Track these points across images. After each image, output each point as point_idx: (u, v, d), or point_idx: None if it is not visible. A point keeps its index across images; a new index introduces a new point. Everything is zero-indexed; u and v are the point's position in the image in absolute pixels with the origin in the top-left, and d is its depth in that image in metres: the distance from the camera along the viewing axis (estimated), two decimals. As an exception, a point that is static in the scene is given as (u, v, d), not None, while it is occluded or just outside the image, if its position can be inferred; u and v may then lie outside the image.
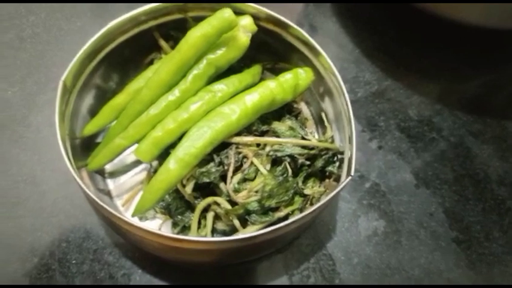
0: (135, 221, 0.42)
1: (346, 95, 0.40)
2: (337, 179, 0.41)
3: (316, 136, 0.47)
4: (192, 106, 0.38)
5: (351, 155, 0.37)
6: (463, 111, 0.55)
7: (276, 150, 0.40)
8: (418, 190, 0.49)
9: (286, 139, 0.41)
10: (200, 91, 0.39)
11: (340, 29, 0.60)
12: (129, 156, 0.46)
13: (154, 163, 0.43)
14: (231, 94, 0.40)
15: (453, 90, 0.58)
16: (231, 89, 0.40)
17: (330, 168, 0.42)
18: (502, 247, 0.47)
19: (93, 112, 0.44)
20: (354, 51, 0.58)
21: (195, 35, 0.38)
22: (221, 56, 0.39)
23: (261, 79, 0.44)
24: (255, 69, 0.43)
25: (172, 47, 0.44)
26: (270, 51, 0.46)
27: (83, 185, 0.34)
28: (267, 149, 0.40)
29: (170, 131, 0.38)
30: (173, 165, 0.37)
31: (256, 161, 0.39)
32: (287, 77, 0.42)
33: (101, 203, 0.34)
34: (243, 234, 0.37)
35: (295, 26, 0.42)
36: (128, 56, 0.45)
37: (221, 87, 0.39)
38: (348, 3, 0.63)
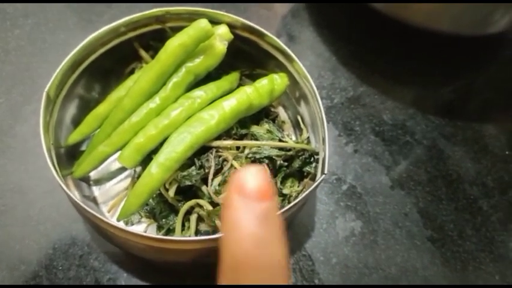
0: (120, 224, 0.44)
1: (319, 99, 0.42)
2: (314, 178, 0.42)
3: (294, 138, 0.49)
4: (173, 113, 0.40)
5: (325, 155, 0.39)
6: (435, 115, 0.57)
7: (254, 153, 0.41)
8: (393, 191, 0.51)
9: (264, 142, 0.42)
10: (180, 98, 0.41)
11: (317, 38, 0.62)
12: (113, 163, 0.46)
13: (138, 169, 0.44)
14: (209, 100, 0.41)
15: (426, 96, 0.60)
16: (210, 95, 0.41)
17: (307, 168, 0.44)
18: (475, 244, 0.48)
19: (77, 121, 0.45)
20: (331, 59, 0.60)
21: (174, 45, 0.39)
22: (199, 64, 0.41)
23: (239, 85, 0.46)
24: (233, 76, 0.45)
25: (152, 57, 0.46)
26: (247, 58, 0.48)
27: (68, 192, 0.35)
28: (246, 151, 0.41)
29: (152, 137, 0.39)
30: (155, 170, 0.38)
31: (235, 164, 0.41)
32: (263, 83, 0.43)
33: (87, 208, 0.35)
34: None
35: (270, 34, 0.44)
36: (110, 66, 0.46)
37: (200, 93, 0.41)
38: (324, 14, 0.65)
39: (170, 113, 0.40)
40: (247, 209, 0.20)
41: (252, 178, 0.20)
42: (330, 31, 0.63)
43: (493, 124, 0.58)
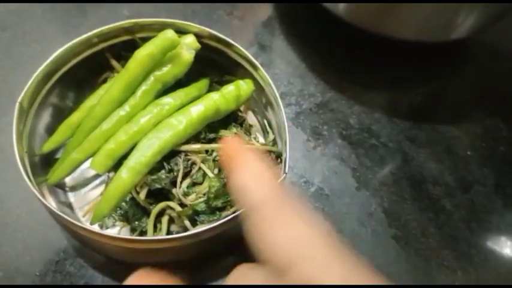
0: (94, 228, 0.45)
1: (281, 104, 0.44)
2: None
3: (262, 141, 0.50)
4: (142, 119, 0.41)
5: (286, 156, 0.41)
6: (400, 118, 0.59)
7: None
8: (359, 192, 0.52)
9: None
10: (149, 105, 0.42)
11: (287, 46, 0.64)
12: (88, 169, 0.47)
13: (112, 174, 0.45)
14: (178, 107, 0.43)
15: (392, 100, 0.63)
16: (178, 102, 0.43)
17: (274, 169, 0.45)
18: (438, 242, 0.50)
19: (51, 129, 0.46)
20: (300, 66, 0.62)
21: (141, 55, 0.41)
22: (167, 72, 0.43)
23: (209, 91, 0.47)
24: (202, 83, 0.47)
25: (124, 66, 0.46)
26: (216, 66, 0.50)
27: (42, 199, 0.37)
28: (214, 154, 0.43)
29: (122, 143, 0.41)
30: (125, 174, 0.39)
31: (203, 166, 0.42)
32: (230, 89, 0.45)
33: (60, 214, 0.36)
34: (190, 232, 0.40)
35: (235, 44, 0.46)
36: (83, 76, 0.48)
37: (168, 100, 0.43)
38: (295, 24, 0.67)
39: (140, 119, 0.41)
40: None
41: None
42: (300, 40, 0.65)
43: (456, 126, 0.60)
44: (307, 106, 0.58)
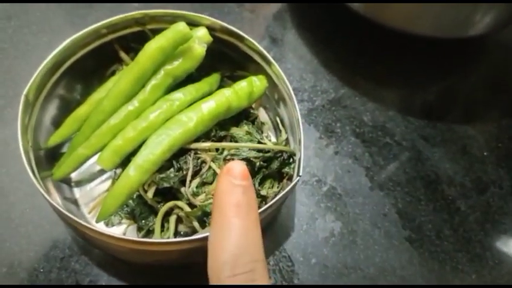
0: (100, 227, 0.44)
1: (295, 100, 0.42)
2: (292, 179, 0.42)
3: (273, 139, 0.49)
4: (151, 115, 0.40)
5: (300, 157, 0.39)
6: (415, 116, 0.58)
7: (232, 155, 0.42)
8: (373, 192, 0.51)
9: (242, 143, 0.42)
10: (159, 101, 0.41)
11: (299, 40, 0.63)
12: (94, 164, 0.46)
13: (119, 171, 0.44)
14: (188, 102, 0.42)
15: (406, 97, 0.61)
16: (189, 97, 0.42)
17: (286, 169, 0.44)
18: (453, 245, 0.49)
19: (58, 122, 0.45)
20: (313, 61, 0.61)
21: (152, 48, 0.40)
22: (178, 66, 0.41)
23: (221, 86, 0.46)
24: (213, 78, 0.45)
25: (133, 58, 0.45)
26: (228, 60, 0.48)
27: (47, 196, 0.35)
28: (225, 153, 0.42)
29: (130, 139, 0.39)
30: (133, 172, 0.38)
31: (214, 165, 0.41)
32: (242, 85, 0.44)
33: (66, 212, 0.35)
34: (199, 234, 0.39)
35: (248, 38, 0.45)
36: (91, 68, 0.46)
37: (179, 96, 0.41)
38: (306, 17, 0.65)
39: (149, 115, 0.40)
40: (233, 184, 0.29)
41: (237, 165, 0.30)
42: (312, 34, 0.64)
43: (472, 125, 0.58)
44: (320, 102, 0.57)
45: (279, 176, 0.45)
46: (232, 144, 0.42)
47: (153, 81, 0.41)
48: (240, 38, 0.45)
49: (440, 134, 0.57)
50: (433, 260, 0.48)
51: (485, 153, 0.56)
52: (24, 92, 0.39)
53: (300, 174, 0.38)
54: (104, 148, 0.40)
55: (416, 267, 0.47)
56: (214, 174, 0.41)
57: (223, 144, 0.42)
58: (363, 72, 0.61)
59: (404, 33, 0.57)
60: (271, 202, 0.36)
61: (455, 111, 0.60)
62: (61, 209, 0.35)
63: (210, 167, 0.41)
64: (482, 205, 0.52)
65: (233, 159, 0.41)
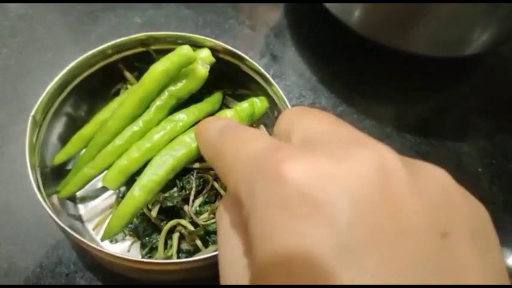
0: (105, 244, 0.45)
1: None
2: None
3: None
4: (155, 136, 0.41)
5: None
6: (410, 133, 0.59)
7: None
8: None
9: None
10: (163, 121, 0.42)
11: (299, 58, 0.64)
12: (98, 182, 0.47)
13: (123, 188, 0.45)
14: (191, 123, 0.43)
15: (402, 114, 0.62)
16: (192, 118, 0.43)
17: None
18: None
19: (64, 139, 0.46)
20: (312, 79, 0.62)
21: (157, 70, 0.41)
22: (182, 87, 0.42)
23: (223, 104, 0.48)
24: (215, 98, 0.46)
25: (137, 77, 0.47)
26: (229, 80, 0.49)
27: (54, 216, 0.36)
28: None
29: (135, 159, 0.41)
30: (138, 192, 0.39)
31: (216, 185, 0.42)
32: (244, 106, 0.45)
33: (71, 231, 0.36)
34: (202, 254, 0.40)
35: (249, 59, 0.46)
36: (96, 87, 0.47)
37: (182, 117, 0.42)
38: (306, 35, 0.67)
39: (153, 136, 0.41)
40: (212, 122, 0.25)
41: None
42: (312, 51, 0.65)
43: (466, 142, 0.59)
44: (319, 120, 0.58)
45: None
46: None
47: (157, 102, 0.42)
48: (241, 59, 0.46)
49: (435, 151, 0.58)
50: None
51: (479, 170, 0.57)
52: (32, 113, 0.40)
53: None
54: (109, 168, 0.41)
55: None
56: (217, 193, 0.42)
57: None
58: (361, 89, 0.63)
59: (400, 53, 0.58)
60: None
61: (450, 128, 0.61)
62: (67, 229, 0.36)
63: (212, 186, 0.42)
64: (477, 221, 0.53)
65: None
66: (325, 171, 0.16)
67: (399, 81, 0.64)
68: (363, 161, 0.17)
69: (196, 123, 0.43)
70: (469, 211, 0.18)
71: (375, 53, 0.62)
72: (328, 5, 0.60)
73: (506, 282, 0.18)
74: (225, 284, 0.20)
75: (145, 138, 0.41)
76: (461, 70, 0.67)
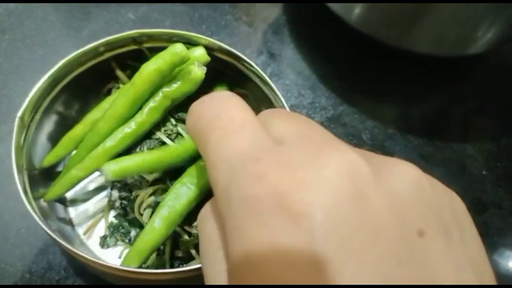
0: (96, 249, 0.44)
1: None
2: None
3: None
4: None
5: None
6: (413, 135, 0.57)
7: None
8: (372, 212, 0.50)
9: None
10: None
11: (298, 55, 0.62)
12: (89, 184, 0.46)
13: (114, 191, 0.44)
14: None
15: (404, 115, 0.61)
16: None
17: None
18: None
19: (54, 140, 0.45)
20: (311, 77, 0.60)
21: (149, 69, 0.39)
22: (177, 89, 0.41)
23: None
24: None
25: (130, 76, 0.45)
26: (225, 79, 0.48)
27: (39, 221, 0.35)
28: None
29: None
30: (158, 224, 0.37)
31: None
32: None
33: (59, 240, 0.35)
34: (197, 263, 0.38)
35: (245, 58, 0.44)
36: (88, 85, 0.46)
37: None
38: (305, 32, 0.65)
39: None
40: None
41: None
42: (311, 49, 0.63)
43: (471, 144, 0.58)
44: (319, 120, 0.57)
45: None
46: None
47: (151, 104, 0.40)
48: (237, 58, 0.45)
49: (439, 152, 0.56)
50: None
51: (484, 173, 0.56)
52: (19, 114, 0.39)
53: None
54: (117, 159, 0.39)
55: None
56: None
57: None
58: (362, 88, 0.61)
59: (403, 51, 0.57)
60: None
61: (453, 129, 0.60)
62: (54, 236, 0.35)
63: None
64: (481, 226, 0.51)
65: None
66: (297, 179, 0.16)
67: (401, 80, 0.63)
68: (331, 166, 0.17)
69: None
70: (442, 204, 0.19)
71: (377, 51, 0.60)
72: (329, 3, 0.59)
73: (487, 274, 0.19)
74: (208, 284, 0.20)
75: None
76: (465, 69, 0.66)
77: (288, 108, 0.43)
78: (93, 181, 0.46)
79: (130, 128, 0.40)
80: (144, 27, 0.45)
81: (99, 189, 0.47)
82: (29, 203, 0.36)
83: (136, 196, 0.40)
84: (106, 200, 0.46)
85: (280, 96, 0.43)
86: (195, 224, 0.39)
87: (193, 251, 0.40)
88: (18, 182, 0.37)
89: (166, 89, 0.41)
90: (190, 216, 0.40)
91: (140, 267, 0.37)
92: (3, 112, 0.52)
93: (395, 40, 0.57)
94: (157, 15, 0.61)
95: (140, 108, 0.41)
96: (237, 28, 0.63)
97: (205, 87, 0.44)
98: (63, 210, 0.45)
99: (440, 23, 0.53)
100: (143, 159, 0.39)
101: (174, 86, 0.41)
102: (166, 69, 0.39)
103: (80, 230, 0.45)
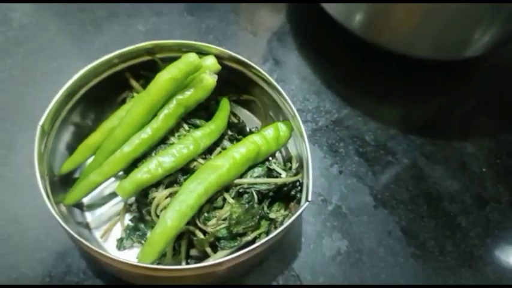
0: (112, 251, 0.45)
1: (306, 138, 0.44)
2: (300, 202, 0.44)
3: (279, 158, 0.51)
4: (177, 153, 0.41)
5: (308, 183, 0.41)
6: (415, 134, 0.59)
7: (246, 188, 0.43)
8: (377, 210, 0.52)
9: (258, 180, 0.44)
10: (184, 138, 0.43)
11: (302, 61, 0.64)
12: (106, 188, 0.48)
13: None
14: (212, 141, 0.44)
15: (406, 116, 0.63)
16: (212, 136, 0.44)
17: (292, 192, 0.46)
18: (455, 260, 0.50)
19: (71, 148, 0.46)
20: (316, 82, 0.62)
21: (164, 78, 0.41)
22: (190, 96, 0.43)
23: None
24: (225, 109, 0.47)
25: (143, 85, 0.48)
26: (234, 86, 0.50)
27: (64, 225, 0.37)
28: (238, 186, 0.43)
29: (156, 175, 0.41)
30: (170, 217, 0.39)
31: (227, 195, 0.42)
32: (269, 131, 0.46)
33: (81, 240, 0.36)
34: (212, 260, 0.40)
35: (254, 65, 0.46)
36: (103, 95, 0.48)
37: (201, 135, 0.43)
38: (309, 39, 0.67)
39: (175, 153, 0.41)
40: None
41: None
42: (315, 55, 0.65)
43: (471, 142, 0.60)
44: (324, 123, 0.58)
45: (286, 198, 0.46)
46: (247, 180, 0.43)
47: (165, 111, 0.42)
48: (246, 65, 0.47)
49: (440, 151, 0.58)
50: (437, 275, 0.49)
51: (484, 170, 0.57)
52: (40, 123, 0.40)
53: (309, 199, 0.39)
54: (126, 178, 0.41)
55: (421, 283, 0.48)
56: (224, 199, 0.42)
57: (241, 180, 0.43)
58: (365, 92, 0.63)
59: (402, 55, 0.59)
60: (282, 227, 0.37)
61: (454, 128, 0.62)
62: (77, 236, 0.36)
63: (219, 193, 0.42)
64: (483, 220, 0.53)
65: (246, 192, 0.43)
66: None
67: (403, 83, 0.65)
68: None
69: (216, 138, 0.45)
70: None
71: (377, 55, 0.62)
72: (329, 10, 0.61)
73: None
74: None
75: (166, 153, 0.41)
76: (463, 71, 0.68)
77: (295, 111, 0.45)
78: (108, 186, 0.48)
79: (147, 133, 0.42)
80: (154, 38, 0.46)
81: (114, 194, 0.48)
82: (52, 207, 0.38)
83: (153, 199, 0.42)
84: (121, 204, 0.47)
85: (288, 99, 0.45)
86: (210, 222, 0.41)
87: (208, 249, 0.41)
88: (41, 187, 0.38)
89: (180, 97, 0.43)
90: (205, 214, 0.42)
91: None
92: (21, 122, 0.53)
93: (394, 45, 0.58)
94: (166, 27, 0.63)
95: (155, 115, 0.43)
96: (243, 37, 0.65)
97: (215, 94, 0.46)
98: (81, 214, 0.47)
99: (438, 27, 0.54)
100: (153, 173, 0.41)
101: (188, 93, 0.43)
102: (180, 77, 0.42)
103: (97, 234, 0.46)
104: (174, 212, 0.39)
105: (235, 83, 0.50)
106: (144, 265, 0.36)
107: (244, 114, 0.53)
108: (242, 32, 0.66)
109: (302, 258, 0.48)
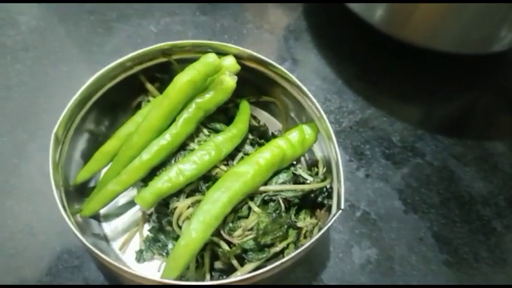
0: (132, 264, 0.43)
1: (335, 141, 0.41)
2: (328, 209, 0.42)
3: (303, 162, 0.49)
4: (198, 160, 0.39)
5: (339, 190, 0.38)
6: (443, 135, 0.57)
7: (272, 195, 0.41)
8: (407, 216, 0.50)
9: (284, 186, 0.41)
10: (205, 144, 0.40)
11: (321, 60, 0.62)
12: (122, 198, 0.46)
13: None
14: (234, 146, 0.42)
15: (433, 115, 0.60)
16: (234, 141, 0.42)
17: (319, 199, 0.43)
18: (490, 266, 0.48)
19: (86, 156, 0.45)
20: (336, 82, 0.60)
21: (182, 81, 0.39)
22: (209, 99, 0.41)
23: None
24: (245, 112, 0.45)
25: (158, 89, 0.46)
26: (253, 86, 0.48)
27: (81, 237, 0.35)
28: (263, 194, 0.41)
29: (177, 183, 0.39)
30: (195, 228, 0.36)
31: (251, 204, 0.40)
32: (294, 135, 0.43)
33: (99, 252, 0.34)
34: (241, 275, 0.38)
35: (275, 64, 0.44)
36: (117, 100, 0.46)
37: (222, 140, 0.41)
38: (327, 36, 0.65)
39: (196, 160, 0.39)
40: None
41: None
42: (334, 53, 0.63)
43: (501, 142, 0.58)
44: (347, 124, 0.56)
45: (313, 205, 0.44)
46: (272, 187, 0.41)
47: (184, 115, 0.40)
48: (266, 64, 0.45)
49: (470, 152, 0.56)
50: (472, 283, 0.47)
51: (517, 170, 0.55)
52: (54, 131, 0.38)
53: (342, 207, 0.37)
54: (146, 188, 0.39)
55: (456, 291, 0.46)
56: (249, 207, 0.40)
57: (267, 187, 0.41)
58: (388, 90, 0.61)
59: (427, 50, 0.57)
60: (315, 238, 0.35)
61: (482, 127, 0.60)
62: (94, 249, 0.34)
63: (246, 203, 0.40)
64: (519, 223, 0.51)
65: (272, 200, 0.41)
66: None
67: (426, 80, 0.62)
68: None
69: (237, 143, 0.42)
70: None
71: (401, 51, 0.60)
72: (350, 5, 0.59)
73: None
74: None
75: (187, 160, 0.39)
76: (488, 67, 0.65)
77: (321, 111, 0.42)
78: (125, 195, 0.45)
79: (166, 140, 0.40)
80: (166, 39, 0.45)
81: (131, 204, 0.46)
82: (69, 218, 0.36)
83: (174, 209, 0.40)
84: (139, 214, 0.45)
85: (313, 99, 0.43)
86: (235, 233, 0.39)
87: (234, 262, 0.39)
88: (57, 198, 0.37)
89: (199, 100, 0.41)
90: (229, 224, 0.39)
91: (179, 280, 0.37)
92: (32, 129, 0.51)
93: (419, 39, 0.56)
94: (179, 27, 0.61)
95: (174, 120, 0.41)
96: (259, 36, 0.63)
97: (233, 96, 0.44)
98: (98, 225, 0.45)
99: (464, 22, 0.52)
100: (174, 181, 0.39)
101: (207, 96, 0.41)
102: (199, 79, 0.39)
103: (115, 245, 0.44)
104: (198, 223, 0.36)
105: (254, 84, 0.48)
106: (170, 282, 0.34)
107: (264, 117, 0.51)
108: (258, 30, 0.63)
109: (331, 268, 0.46)
